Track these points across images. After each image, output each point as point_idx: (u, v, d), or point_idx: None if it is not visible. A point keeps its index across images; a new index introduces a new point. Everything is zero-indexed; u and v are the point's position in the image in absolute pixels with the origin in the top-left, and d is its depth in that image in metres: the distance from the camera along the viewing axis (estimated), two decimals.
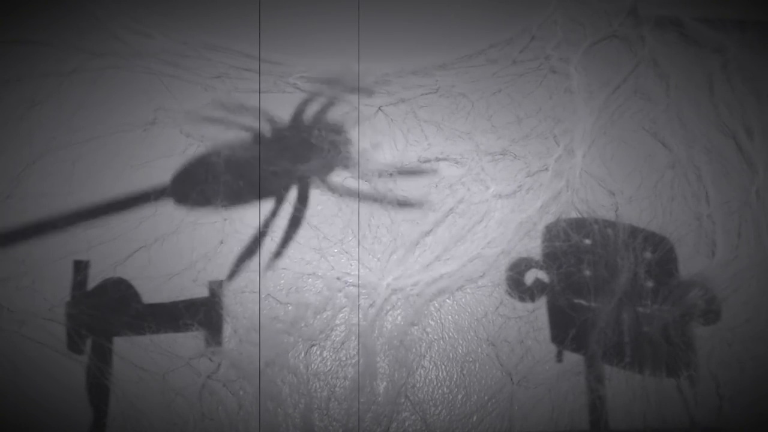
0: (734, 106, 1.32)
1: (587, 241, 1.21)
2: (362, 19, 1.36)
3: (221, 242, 1.18)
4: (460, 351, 1.15)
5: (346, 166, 1.23)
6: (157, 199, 1.19)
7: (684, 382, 1.13)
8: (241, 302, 1.15)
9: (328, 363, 1.13)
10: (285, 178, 1.22)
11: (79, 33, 1.31)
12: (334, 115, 1.28)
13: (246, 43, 1.32)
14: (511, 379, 1.13)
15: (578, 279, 1.19)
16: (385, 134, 1.28)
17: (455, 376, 1.14)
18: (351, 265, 1.19)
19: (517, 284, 1.19)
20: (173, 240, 1.18)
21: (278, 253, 1.18)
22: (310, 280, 1.17)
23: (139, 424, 1.08)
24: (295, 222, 1.20)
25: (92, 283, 1.15)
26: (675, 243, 1.22)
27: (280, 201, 1.20)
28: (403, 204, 1.20)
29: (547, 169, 1.26)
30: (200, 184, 1.21)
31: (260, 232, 1.19)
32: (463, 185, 1.24)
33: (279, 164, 1.20)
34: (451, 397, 1.12)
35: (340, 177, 1.23)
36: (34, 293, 1.13)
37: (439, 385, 1.13)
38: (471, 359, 1.14)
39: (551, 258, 1.20)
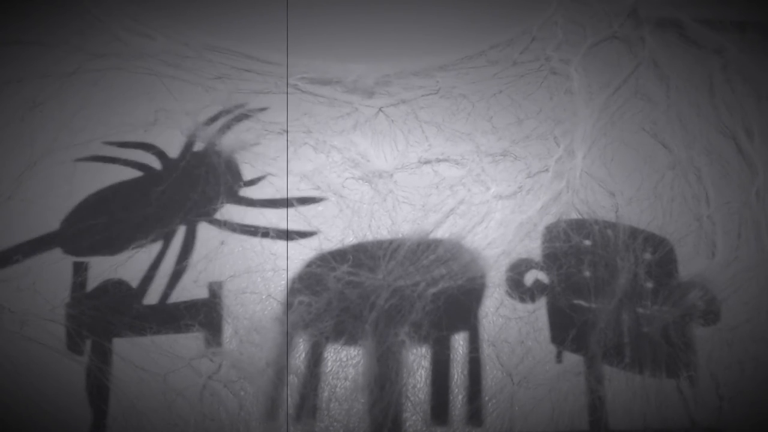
0: (734, 108, 1.32)
1: (587, 242, 1.21)
2: (363, 20, 1.37)
3: (222, 243, 1.18)
4: (460, 351, 1.15)
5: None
6: None
7: (684, 382, 1.13)
8: (241, 303, 1.15)
9: (329, 363, 1.13)
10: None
11: (80, 34, 1.31)
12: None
13: (247, 43, 1.32)
14: (512, 380, 1.13)
15: (578, 280, 1.19)
16: (385, 135, 1.28)
17: (455, 376, 1.14)
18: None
19: (517, 285, 1.19)
20: (173, 240, 1.18)
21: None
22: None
23: (140, 424, 1.08)
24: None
25: (93, 283, 1.15)
26: (675, 244, 1.22)
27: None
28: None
29: (547, 170, 1.26)
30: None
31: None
32: (464, 186, 1.25)
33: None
34: (451, 397, 1.13)
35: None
36: (35, 294, 1.13)
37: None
38: (471, 359, 1.15)
39: (551, 259, 1.20)
